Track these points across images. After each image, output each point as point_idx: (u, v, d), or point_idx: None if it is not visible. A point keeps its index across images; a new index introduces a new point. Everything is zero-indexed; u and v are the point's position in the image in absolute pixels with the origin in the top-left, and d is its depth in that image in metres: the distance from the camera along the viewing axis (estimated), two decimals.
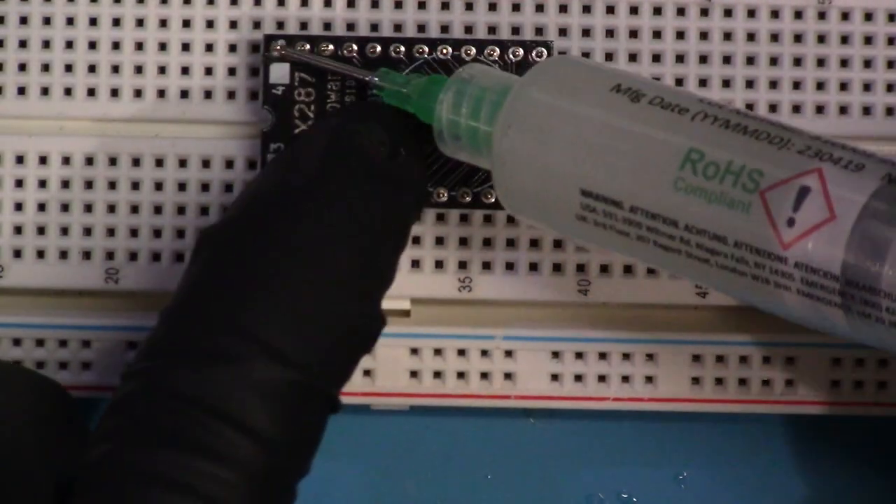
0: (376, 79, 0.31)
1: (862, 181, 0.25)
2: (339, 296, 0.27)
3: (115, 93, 0.33)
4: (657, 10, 0.33)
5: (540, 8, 0.33)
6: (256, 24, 0.33)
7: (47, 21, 0.33)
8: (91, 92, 0.33)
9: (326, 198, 0.28)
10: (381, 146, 0.29)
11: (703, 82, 0.33)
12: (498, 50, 0.32)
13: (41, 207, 0.32)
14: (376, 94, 0.31)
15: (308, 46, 0.32)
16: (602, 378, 0.33)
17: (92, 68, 0.33)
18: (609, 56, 0.33)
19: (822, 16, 0.33)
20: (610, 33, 0.33)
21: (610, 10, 0.33)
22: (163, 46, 0.33)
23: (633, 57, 0.33)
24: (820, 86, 0.33)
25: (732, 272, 0.26)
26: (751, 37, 0.33)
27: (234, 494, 0.25)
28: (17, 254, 0.32)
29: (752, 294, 0.26)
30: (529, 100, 0.28)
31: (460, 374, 0.33)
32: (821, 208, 0.25)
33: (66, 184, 0.33)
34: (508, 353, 0.33)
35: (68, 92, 0.33)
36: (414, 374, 0.33)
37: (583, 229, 0.28)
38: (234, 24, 0.33)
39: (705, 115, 0.27)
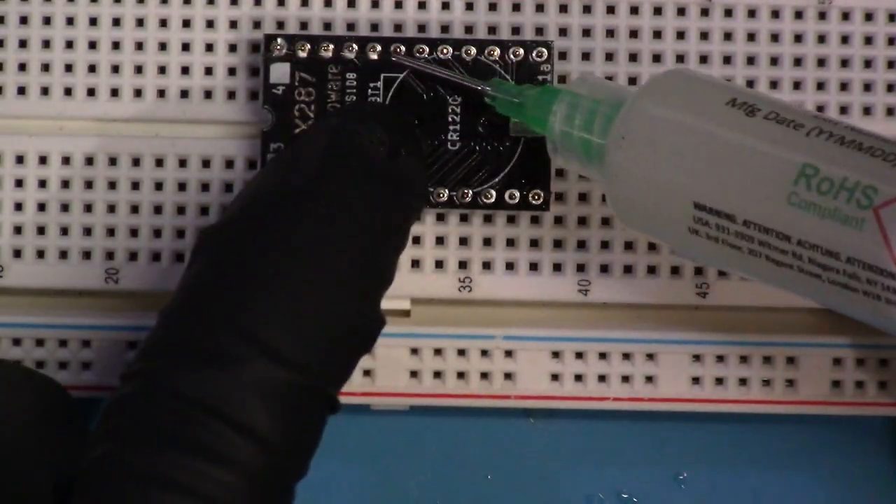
0: (488, 88, 0.31)
1: None
2: (339, 296, 0.27)
3: (115, 93, 0.33)
4: (657, 10, 0.33)
5: (540, 8, 0.33)
6: (256, 24, 0.33)
7: (47, 21, 0.33)
8: (91, 92, 0.33)
9: (326, 198, 0.28)
10: (381, 146, 0.29)
11: None
12: (498, 50, 0.32)
13: (41, 207, 0.32)
14: (489, 103, 0.31)
15: (309, 46, 0.32)
16: (602, 378, 0.33)
17: (92, 68, 0.33)
18: (609, 56, 0.33)
19: (822, 16, 0.33)
20: (610, 33, 0.33)
21: (610, 10, 0.33)
22: (163, 46, 0.33)
23: (633, 57, 0.33)
24: (820, 86, 0.33)
25: (844, 288, 0.26)
26: (751, 37, 0.33)
27: (234, 495, 0.25)
28: (17, 254, 0.32)
29: (864, 310, 0.26)
30: (644, 113, 0.28)
31: (460, 374, 0.33)
32: None
33: (66, 184, 0.32)
34: (508, 353, 0.33)
35: (68, 92, 0.33)
36: (414, 374, 0.33)
37: (695, 242, 0.28)
38: (234, 24, 0.33)
39: (820, 130, 0.27)
